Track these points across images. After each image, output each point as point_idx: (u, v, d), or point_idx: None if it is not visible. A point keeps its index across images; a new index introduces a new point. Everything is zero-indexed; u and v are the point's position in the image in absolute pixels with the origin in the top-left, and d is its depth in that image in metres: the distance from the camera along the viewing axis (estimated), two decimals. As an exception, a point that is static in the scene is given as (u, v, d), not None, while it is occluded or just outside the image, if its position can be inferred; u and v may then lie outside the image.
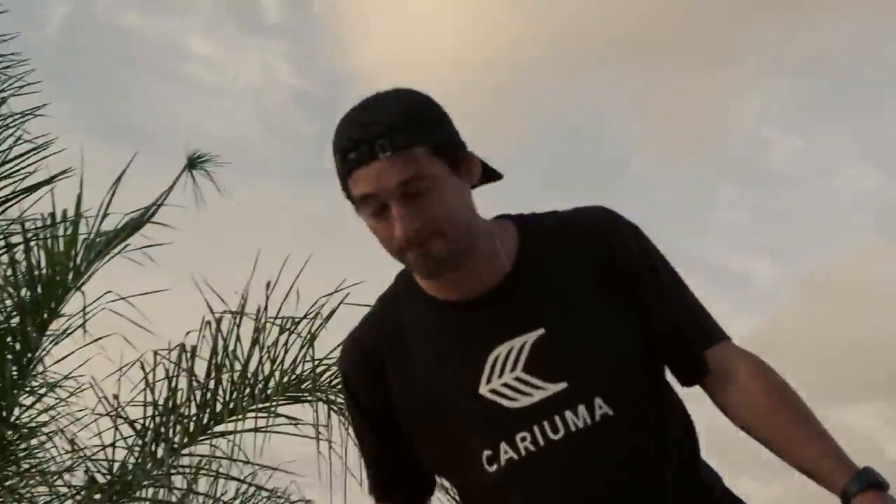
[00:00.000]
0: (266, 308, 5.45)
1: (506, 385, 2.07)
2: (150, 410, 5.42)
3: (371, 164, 1.99)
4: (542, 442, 2.05)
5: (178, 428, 5.38)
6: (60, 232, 5.67)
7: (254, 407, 5.39)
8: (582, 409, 2.05)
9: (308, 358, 5.45)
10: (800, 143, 12.92)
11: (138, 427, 5.42)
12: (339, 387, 5.33)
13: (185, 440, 5.38)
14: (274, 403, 5.36)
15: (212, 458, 5.41)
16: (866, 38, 12.08)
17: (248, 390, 5.42)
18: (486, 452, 2.09)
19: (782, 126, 12.82)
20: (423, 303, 2.15)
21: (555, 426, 2.05)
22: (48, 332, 5.61)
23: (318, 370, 5.43)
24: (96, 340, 5.41)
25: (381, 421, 2.20)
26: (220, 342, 5.41)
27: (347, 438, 5.32)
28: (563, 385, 2.06)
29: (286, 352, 5.45)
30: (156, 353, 5.39)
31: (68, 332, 5.58)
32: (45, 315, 5.59)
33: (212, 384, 5.42)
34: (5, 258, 5.76)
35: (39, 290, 5.58)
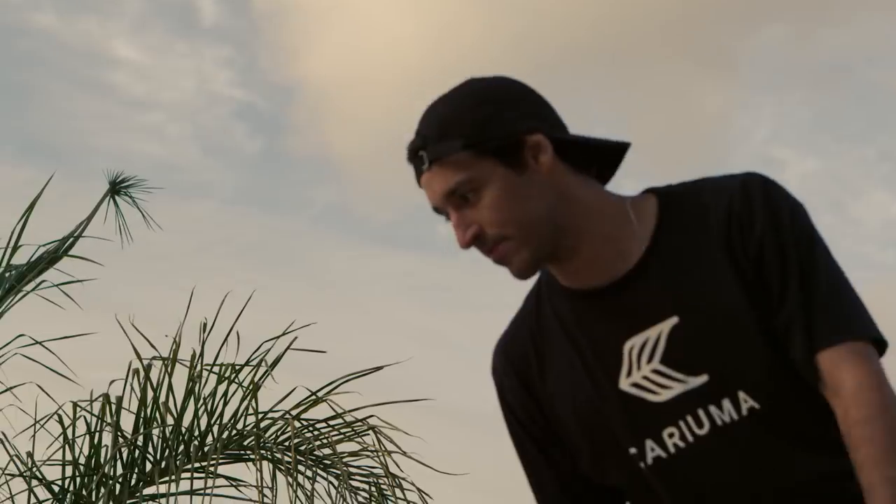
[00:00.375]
0: (202, 353, 5.09)
1: (646, 378, 2.05)
2: (69, 470, 5.01)
3: (422, 177, 2.05)
4: (690, 438, 2.03)
5: (102, 490, 4.95)
6: (-36, 266, 5.39)
7: (189, 466, 4.99)
8: (727, 403, 2.02)
9: (251, 411, 5.04)
10: (816, 165, 12.11)
11: (56, 489, 5.01)
12: (286, 443, 4.91)
13: (110, 504, 4.95)
14: (212, 462, 4.90)
15: (141, 524, 5.00)
16: (894, 41, 11.23)
17: (182, 447, 5.03)
18: (632, 450, 2.07)
19: (795, 145, 12.03)
20: (558, 295, 2.14)
21: (699, 421, 2.03)
22: (-49, 381, 5.25)
23: (263, 425, 5.01)
24: (8, 390, 5.09)
25: (541, 431, 2.19)
26: (150, 392, 5.01)
27: (296, 500, 4.91)
28: (703, 378, 2.02)
29: (226, 404, 5.07)
30: (76, 405, 4.99)
31: (-25, 380, 5.27)
32: (-52, 360, 5.23)
33: (140, 440, 5.02)
34: None
35: (-59, 331, 5.26)
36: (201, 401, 5.04)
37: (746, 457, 2.03)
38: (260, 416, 5.02)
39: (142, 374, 5.00)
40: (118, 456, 4.96)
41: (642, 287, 2.07)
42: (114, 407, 4.96)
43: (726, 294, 2.03)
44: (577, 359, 2.11)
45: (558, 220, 2.05)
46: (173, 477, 4.85)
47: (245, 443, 5.03)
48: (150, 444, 5.03)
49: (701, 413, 2.03)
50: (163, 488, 4.91)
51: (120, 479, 4.98)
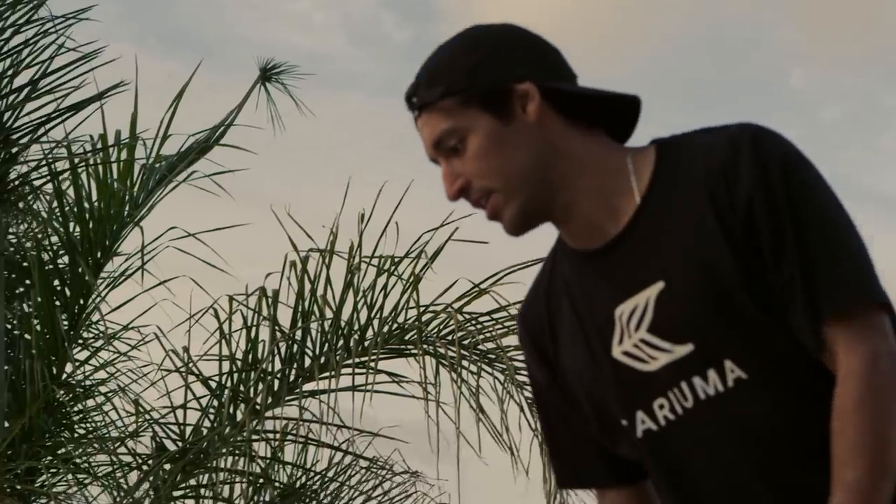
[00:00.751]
0: (360, 245, 4.97)
1: (636, 346, 1.98)
2: (226, 366, 4.95)
3: (416, 123, 2.03)
4: (679, 411, 1.96)
5: (261, 386, 4.88)
6: (113, 157, 5.22)
7: (349, 362, 4.88)
8: (712, 373, 1.94)
9: (412, 304, 4.92)
10: None
11: (213, 385, 4.97)
12: (449, 337, 4.76)
13: (269, 401, 4.89)
14: (373, 357, 4.81)
15: (300, 421, 4.91)
16: None
17: (341, 342, 4.92)
18: (623, 422, 2.02)
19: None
20: (565, 257, 2.08)
21: (684, 394, 1.96)
22: (103, 274, 5.19)
23: (424, 318, 4.89)
24: (161, 284, 5.03)
25: (559, 400, 2.12)
26: (307, 285, 4.91)
27: (460, 398, 4.81)
28: (689, 347, 1.94)
29: (385, 297, 4.95)
30: (231, 299, 4.91)
31: (127, 274, 5.18)
32: (99, 254, 5.16)
33: (299, 335, 4.93)
34: (49, 188, 5.33)
35: (91, 224, 5.14)
36: (360, 294, 4.94)
37: (733, 433, 1.95)
38: (421, 309, 4.91)
39: (299, 266, 4.90)
40: (276, 351, 4.89)
41: (631, 249, 2.00)
42: (270, 301, 4.87)
43: (712, 256, 1.94)
44: (578, 324, 2.06)
45: (546, 174, 1.99)
46: (333, 372, 4.78)
47: (406, 337, 4.92)
48: (309, 339, 4.94)
49: (685, 385, 1.96)
50: (323, 384, 4.85)
51: (279, 375, 4.90)
